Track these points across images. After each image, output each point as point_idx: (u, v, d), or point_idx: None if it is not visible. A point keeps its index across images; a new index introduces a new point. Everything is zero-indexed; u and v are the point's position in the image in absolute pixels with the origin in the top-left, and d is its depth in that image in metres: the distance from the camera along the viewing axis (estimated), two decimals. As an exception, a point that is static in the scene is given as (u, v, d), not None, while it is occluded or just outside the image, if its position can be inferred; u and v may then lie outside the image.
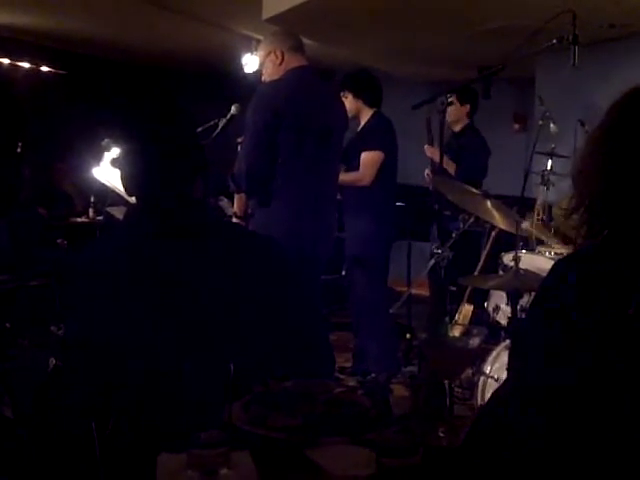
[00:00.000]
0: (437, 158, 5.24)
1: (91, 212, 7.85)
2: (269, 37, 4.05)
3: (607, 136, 1.46)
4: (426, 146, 5.41)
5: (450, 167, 5.41)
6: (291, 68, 3.88)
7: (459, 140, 5.64)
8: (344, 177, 5.00)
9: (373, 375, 4.47)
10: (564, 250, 4.09)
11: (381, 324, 4.91)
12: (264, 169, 3.75)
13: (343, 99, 4.91)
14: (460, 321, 4.16)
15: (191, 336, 1.85)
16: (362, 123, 5.13)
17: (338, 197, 4.49)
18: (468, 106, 5.61)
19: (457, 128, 5.68)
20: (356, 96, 5.03)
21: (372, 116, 5.09)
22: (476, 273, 4.73)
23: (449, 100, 5.40)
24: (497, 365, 3.63)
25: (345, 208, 5.14)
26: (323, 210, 3.96)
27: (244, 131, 3.84)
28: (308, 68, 3.97)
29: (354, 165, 4.97)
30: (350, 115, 5.00)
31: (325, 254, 4.03)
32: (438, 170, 5.19)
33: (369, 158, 4.93)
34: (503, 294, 4.12)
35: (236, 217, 4.20)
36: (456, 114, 5.58)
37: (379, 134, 5.06)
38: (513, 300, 3.74)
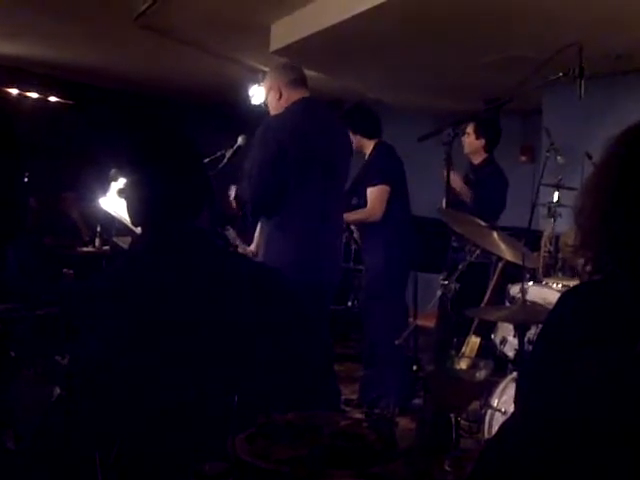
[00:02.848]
0: (457, 184, 5.26)
1: (97, 242, 7.87)
2: (270, 72, 4.11)
3: (606, 172, 1.46)
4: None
5: (467, 197, 5.41)
6: (293, 101, 3.92)
7: (477, 173, 5.62)
8: (354, 216, 5.03)
9: (381, 406, 4.44)
10: (571, 282, 4.08)
11: (396, 356, 4.87)
12: (270, 200, 3.80)
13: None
14: (467, 353, 4.13)
15: (195, 367, 1.84)
16: (366, 156, 5.14)
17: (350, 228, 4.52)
18: (483, 140, 5.57)
19: (476, 161, 5.65)
20: (354, 131, 5.03)
21: (374, 148, 5.11)
22: (483, 305, 4.71)
23: (466, 131, 5.48)
24: (504, 398, 3.60)
25: (362, 241, 5.16)
26: (328, 240, 3.98)
27: (250, 163, 3.87)
28: (310, 100, 4.00)
29: (362, 202, 4.97)
30: (355, 150, 5.03)
31: (332, 284, 4.03)
32: (453, 201, 5.21)
33: (375, 194, 4.93)
34: (510, 326, 4.10)
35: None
36: (472, 147, 5.57)
37: (382, 167, 5.07)
38: (520, 332, 3.72)
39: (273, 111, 4.00)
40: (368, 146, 5.11)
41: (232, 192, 4.71)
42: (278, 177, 3.74)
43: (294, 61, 6.65)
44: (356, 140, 5.03)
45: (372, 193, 4.92)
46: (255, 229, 5.23)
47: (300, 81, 4.00)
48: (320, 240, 3.90)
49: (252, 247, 4.77)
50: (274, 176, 3.74)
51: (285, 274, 2.33)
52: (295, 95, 3.94)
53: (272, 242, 3.87)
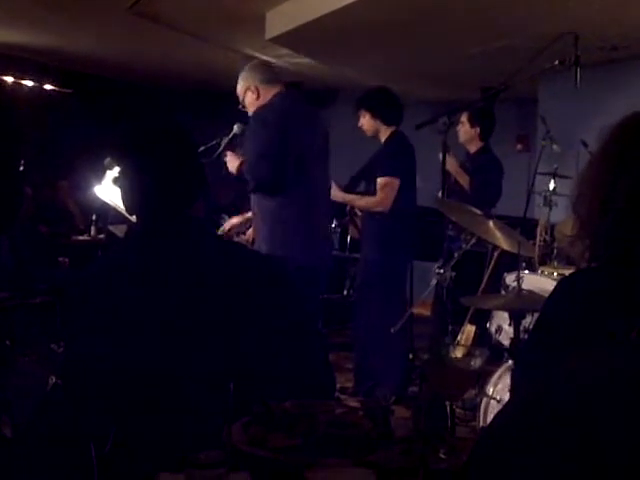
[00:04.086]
0: (452, 167, 5.25)
1: (93, 230, 7.86)
2: (244, 74, 4.17)
3: (604, 162, 1.46)
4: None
5: (464, 181, 5.41)
6: (272, 96, 4.03)
7: (473, 161, 5.61)
8: (361, 202, 5.02)
9: (377, 395, 4.46)
10: (566, 271, 4.08)
11: (390, 344, 4.88)
12: (273, 179, 3.87)
13: (360, 118, 4.93)
14: (463, 342, 4.14)
15: (191, 355, 1.84)
16: (381, 143, 5.08)
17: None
18: (478, 129, 5.56)
19: (472, 149, 5.64)
20: (374, 116, 4.99)
21: (390, 137, 5.02)
22: (478, 293, 4.71)
23: (461, 120, 5.47)
24: (500, 386, 3.61)
25: (363, 227, 5.16)
26: (319, 227, 4.08)
27: (247, 150, 3.96)
28: (286, 93, 4.14)
29: (372, 188, 4.94)
30: (369, 134, 5.01)
31: (326, 269, 4.11)
32: (450, 188, 5.21)
33: (385, 185, 4.87)
34: (506, 315, 4.10)
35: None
36: (466, 135, 5.56)
37: (395, 158, 5.00)
38: (515, 321, 3.72)
39: (252, 110, 4.08)
40: (384, 133, 5.02)
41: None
42: (275, 162, 3.82)
43: (290, 49, 6.68)
44: (374, 125, 5.01)
45: (382, 184, 4.86)
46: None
47: (275, 79, 4.13)
48: (311, 226, 4.00)
49: (248, 234, 4.76)
50: (272, 162, 3.82)
51: (280, 261, 2.34)
52: (272, 91, 4.05)
53: (265, 230, 3.96)
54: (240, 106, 4.18)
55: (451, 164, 5.45)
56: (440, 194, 4.07)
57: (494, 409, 3.53)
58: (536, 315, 2.90)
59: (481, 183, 5.41)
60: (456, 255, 4.25)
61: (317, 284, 4.06)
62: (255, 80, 4.07)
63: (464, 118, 5.51)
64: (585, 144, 4.81)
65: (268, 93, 4.03)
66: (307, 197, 3.96)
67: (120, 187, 2.06)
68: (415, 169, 5.11)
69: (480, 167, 5.52)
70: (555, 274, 4.15)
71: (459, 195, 5.29)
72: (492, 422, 1.45)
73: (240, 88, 4.15)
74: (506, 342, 4.08)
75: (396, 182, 4.86)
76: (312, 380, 1.99)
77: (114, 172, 3.67)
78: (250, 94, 4.07)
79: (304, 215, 3.95)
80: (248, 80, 4.10)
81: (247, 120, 4.06)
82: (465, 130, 5.54)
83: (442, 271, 3.98)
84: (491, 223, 3.65)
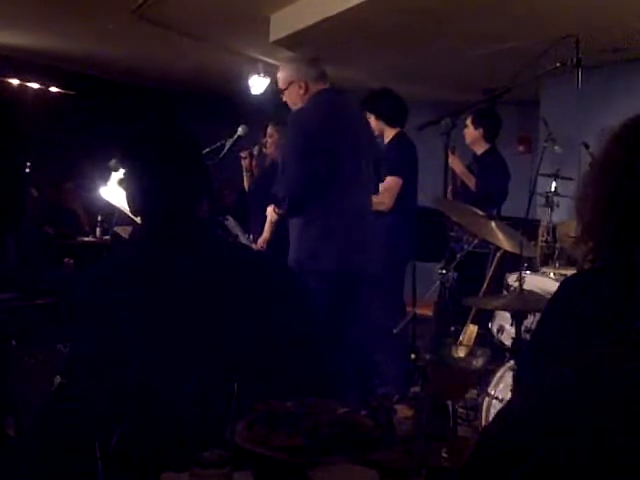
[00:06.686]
0: (457, 167, 5.27)
1: (98, 231, 7.88)
2: (293, 65, 4.08)
3: (606, 165, 1.48)
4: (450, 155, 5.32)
5: (470, 182, 5.43)
6: (315, 93, 3.97)
7: (479, 163, 5.63)
8: None
9: (379, 395, 4.46)
10: (568, 271, 4.09)
11: (393, 344, 4.89)
12: (306, 193, 3.82)
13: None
14: (464, 342, 4.15)
15: (194, 354, 1.85)
16: (385, 143, 5.09)
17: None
18: (482, 130, 5.57)
19: (478, 151, 5.66)
20: (378, 117, 5.01)
21: (393, 138, 5.06)
22: (480, 294, 4.72)
23: (466, 123, 5.49)
24: (501, 386, 3.62)
25: None
26: (356, 228, 4.01)
27: (284, 158, 3.92)
28: (332, 91, 4.06)
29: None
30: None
31: (364, 270, 4.06)
32: (457, 190, 5.21)
33: (387, 185, 4.88)
34: (507, 315, 4.11)
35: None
36: (471, 137, 5.58)
37: (398, 159, 5.01)
38: (517, 321, 3.72)
39: (293, 103, 4.03)
40: (388, 134, 5.06)
41: None
42: (311, 170, 3.77)
43: (294, 51, 6.69)
44: (377, 125, 5.02)
45: (385, 184, 4.89)
46: (254, 220, 5.26)
47: (323, 75, 4.04)
48: (351, 231, 3.95)
49: (260, 242, 4.76)
50: (307, 169, 3.78)
51: (284, 262, 2.35)
52: (317, 88, 3.98)
53: (304, 234, 3.90)
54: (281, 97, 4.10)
55: (456, 165, 5.47)
56: (448, 192, 4.09)
57: (496, 408, 3.53)
58: (538, 315, 2.92)
59: (486, 184, 5.42)
60: (458, 256, 4.26)
61: (351, 291, 4.03)
62: (305, 75, 3.98)
63: (468, 120, 5.54)
64: (587, 146, 4.82)
65: (314, 89, 3.97)
66: (346, 201, 3.92)
67: (125, 188, 2.08)
68: (417, 169, 5.13)
69: (486, 168, 5.54)
70: (557, 275, 4.15)
71: (465, 196, 5.31)
72: (493, 421, 1.47)
73: (284, 79, 4.06)
74: (508, 342, 4.08)
75: (399, 182, 4.88)
76: (315, 381, 2.00)
77: (119, 174, 3.70)
78: (297, 88, 3.98)
79: (336, 216, 3.90)
80: (296, 73, 4.01)
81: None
82: (469, 132, 5.57)
83: (445, 271, 4.00)
84: (493, 224, 3.66)
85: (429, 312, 5.17)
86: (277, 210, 4.15)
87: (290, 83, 4.02)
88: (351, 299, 4.00)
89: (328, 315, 3.80)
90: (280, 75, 4.10)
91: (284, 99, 4.09)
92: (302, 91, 3.98)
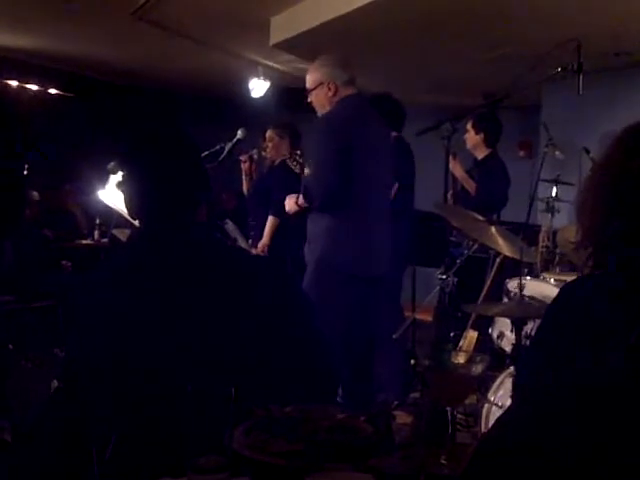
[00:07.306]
0: (458, 172, 5.28)
1: (96, 234, 7.88)
2: (324, 67, 4.09)
3: (607, 170, 1.47)
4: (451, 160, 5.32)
5: (470, 187, 5.43)
6: (344, 97, 4.02)
7: (480, 168, 5.63)
8: None
9: (378, 400, 4.45)
10: (568, 277, 4.08)
11: (392, 349, 4.88)
12: (340, 189, 3.86)
13: None
14: (464, 347, 4.14)
15: (192, 360, 1.84)
16: None
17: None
18: (482, 135, 5.58)
19: (479, 156, 5.66)
20: None
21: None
22: (481, 299, 4.71)
23: (466, 128, 5.50)
24: (501, 392, 3.61)
25: None
26: (378, 230, 4.09)
27: (312, 158, 4.01)
28: (359, 96, 4.12)
29: None
30: None
31: (381, 274, 4.14)
32: (457, 195, 5.21)
33: None
34: (507, 321, 4.10)
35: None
36: (472, 142, 5.58)
37: (396, 163, 5.03)
38: (517, 327, 3.72)
39: (320, 104, 4.07)
40: None
41: None
42: (344, 170, 3.82)
43: (294, 54, 6.69)
44: None
45: None
46: (252, 224, 5.25)
47: (353, 79, 4.10)
48: (373, 233, 4.03)
49: (259, 246, 4.75)
50: (337, 171, 3.81)
51: (284, 266, 2.34)
52: (347, 91, 4.04)
53: (327, 236, 3.95)
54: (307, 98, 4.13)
55: (457, 169, 5.46)
56: (449, 197, 4.09)
57: (495, 415, 3.52)
58: (538, 321, 2.91)
59: (486, 189, 5.42)
60: (458, 261, 4.25)
61: (366, 295, 4.10)
62: (336, 78, 4.02)
63: (469, 125, 5.55)
64: (587, 151, 4.82)
65: (343, 93, 4.01)
66: (369, 204, 3.99)
67: (123, 191, 2.07)
68: (414, 174, 5.14)
69: (486, 173, 5.54)
70: (557, 280, 4.14)
71: (466, 201, 5.31)
72: (493, 427, 1.45)
73: (314, 80, 4.08)
74: (508, 348, 4.07)
75: (394, 186, 4.89)
76: (312, 386, 1.99)
77: (118, 176, 3.69)
78: (326, 90, 4.02)
79: (360, 214, 3.96)
80: (327, 76, 4.03)
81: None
82: (470, 137, 5.57)
83: (445, 277, 3.99)
84: (493, 229, 3.65)
85: (429, 317, 5.16)
86: (300, 202, 4.16)
87: (319, 84, 4.05)
88: (364, 302, 4.04)
89: (339, 317, 3.84)
90: (309, 75, 4.12)
91: (309, 99, 4.13)
92: (331, 93, 4.02)
